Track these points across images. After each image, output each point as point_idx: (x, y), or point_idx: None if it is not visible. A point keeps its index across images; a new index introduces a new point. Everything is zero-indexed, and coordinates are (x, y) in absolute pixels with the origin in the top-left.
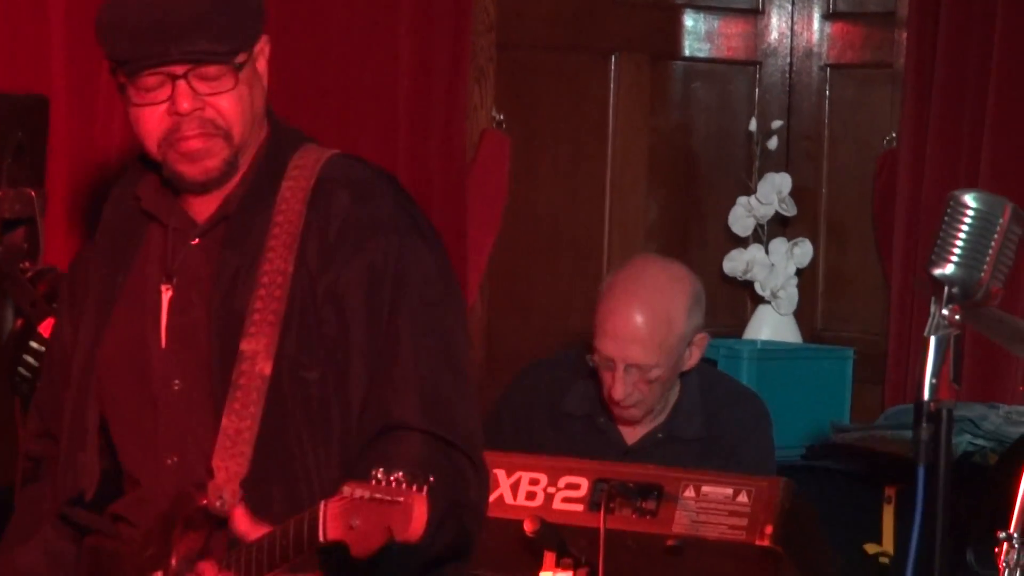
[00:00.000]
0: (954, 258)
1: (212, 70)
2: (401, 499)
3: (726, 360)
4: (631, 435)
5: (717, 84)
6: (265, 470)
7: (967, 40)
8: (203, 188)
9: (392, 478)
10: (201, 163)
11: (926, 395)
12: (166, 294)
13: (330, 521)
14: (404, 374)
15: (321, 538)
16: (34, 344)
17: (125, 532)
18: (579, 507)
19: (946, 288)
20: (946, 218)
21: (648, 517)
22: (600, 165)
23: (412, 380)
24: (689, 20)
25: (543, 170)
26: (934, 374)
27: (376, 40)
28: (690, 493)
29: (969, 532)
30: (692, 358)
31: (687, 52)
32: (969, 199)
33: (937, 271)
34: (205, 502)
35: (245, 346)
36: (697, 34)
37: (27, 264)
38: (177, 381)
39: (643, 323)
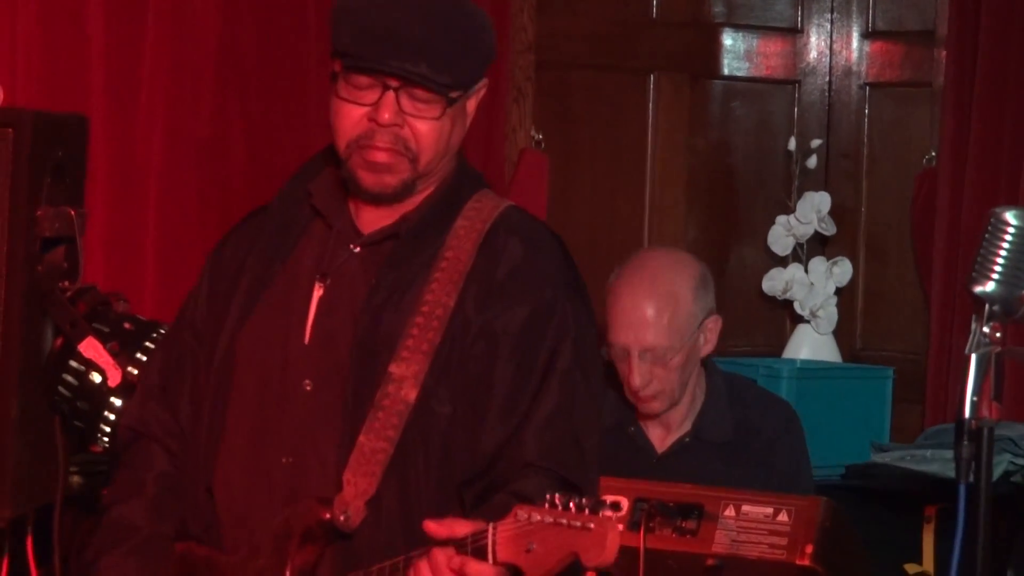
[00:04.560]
0: (995, 275)
1: (425, 94)
2: (592, 525)
3: (765, 379)
4: (661, 443)
5: (756, 103)
6: (389, 494)
7: (1006, 58)
8: (374, 199)
9: (572, 502)
10: (380, 176)
11: (967, 413)
12: (317, 292)
13: (501, 544)
14: (549, 419)
15: (490, 560)
16: (73, 364)
17: (219, 528)
18: (619, 526)
19: (987, 305)
20: (986, 235)
21: (688, 536)
22: (639, 184)
23: (556, 425)
24: (728, 39)
25: (582, 189)
26: (975, 392)
27: None
28: (730, 512)
29: (1010, 552)
30: (707, 343)
31: (726, 71)
32: (1010, 216)
33: (978, 288)
34: (328, 516)
35: (395, 369)
36: (736, 53)
37: (67, 284)
38: (308, 381)
39: (650, 306)
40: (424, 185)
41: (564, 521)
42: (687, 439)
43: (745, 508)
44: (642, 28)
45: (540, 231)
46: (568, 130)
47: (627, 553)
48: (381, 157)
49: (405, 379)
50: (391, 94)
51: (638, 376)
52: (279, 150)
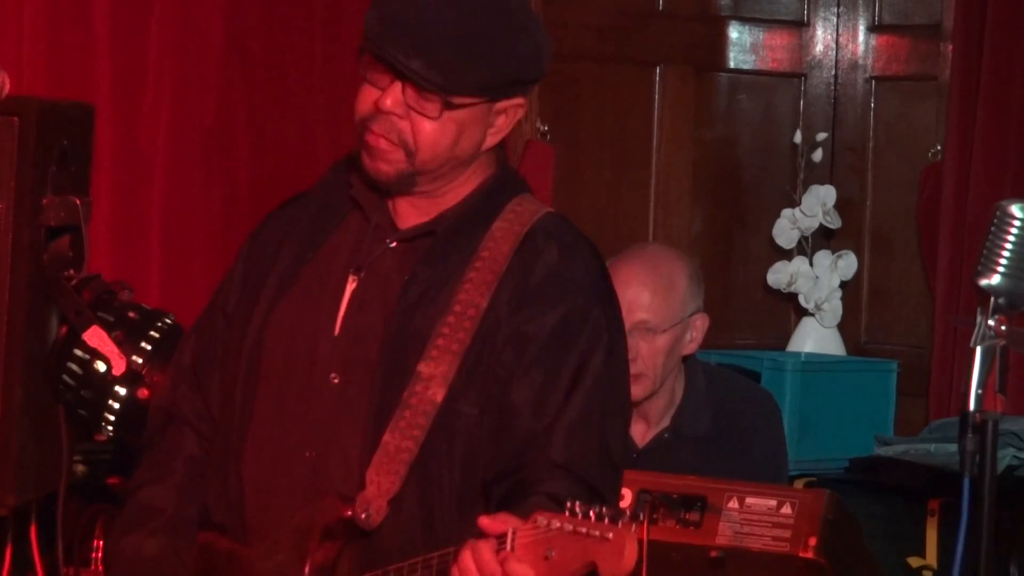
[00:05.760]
0: (1000, 268)
1: (427, 92)
2: (611, 535)
3: (770, 372)
4: (641, 438)
5: (762, 96)
6: (412, 494)
7: (1013, 52)
8: (375, 184)
9: (592, 511)
10: (376, 163)
11: (972, 406)
12: (351, 285)
13: (520, 549)
14: (577, 424)
15: None
16: (78, 352)
17: (242, 516)
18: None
19: (992, 299)
20: (992, 228)
21: (692, 528)
22: (644, 177)
23: (585, 431)
24: (734, 32)
25: (587, 181)
26: (980, 385)
27: None
28: (734, 504)
29: (1012, 546)
30: (692, 341)
31: (732, 64)
32: (1016, 209)
33: (983, 281)
34: (350, 514)
35: (423, 368)
36: (742, 46)
37: (72, 272)
38: (336, 375)
39: (645, 283)
40: (458, 185)
41: (583, 530)
42: (666, 435)
43: (749, 500)
44: (648, 20)
45: (577, 238)
46: (574, 122)
47: None
48: (374, 142)
49: (433, 379)
50: (398, 84)
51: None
52: (284, 140)
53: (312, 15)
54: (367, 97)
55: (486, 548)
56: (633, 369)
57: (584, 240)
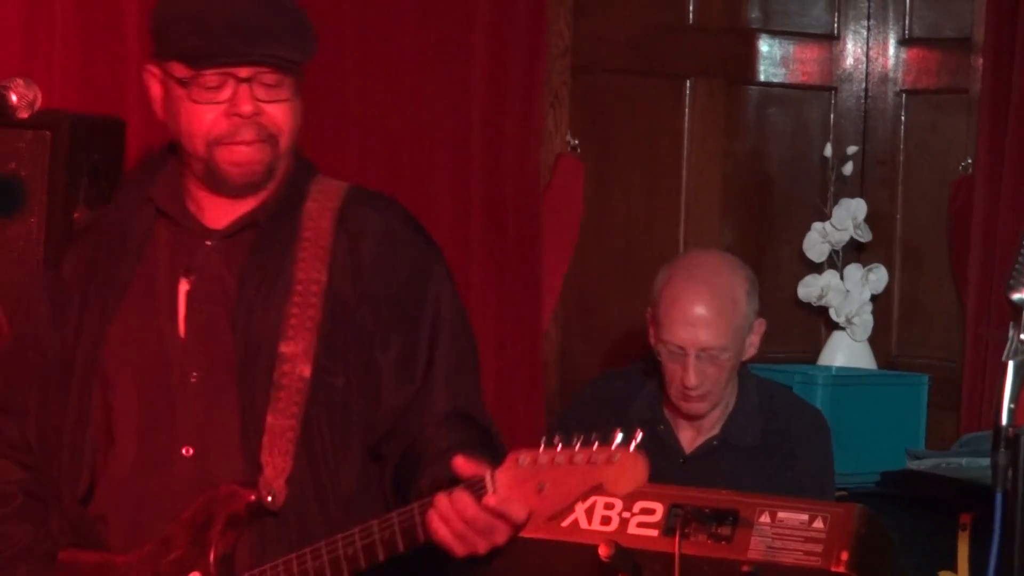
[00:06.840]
0: None
1: (273, 78)
2: (618, 457)
3: (800, 386)
4: (689, 444)
5: (792, 109)
6: (303, 470)
7: None
8: (238, 192)
9: (576, 443)
10: (250, 168)
11: (1004, 420)
12: (183, 287)
13: (504, 489)
14: (452, 369)
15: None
16: None
17: (102, 533)
18: (654, 532)
19: None
20: None
21: (723, 543)
22: (674, 190)
23: (459, 372)
24: (764, 45)
25: (617, 195)
26: (1012, 399)
27: (451, 65)
28: (765, 519)
29: None
30: (752, 346)
31: (762, 77)
32: None
33: (1016, 295)
34: (254, 497)
35: (285, 348)
36: (772, 59)
37: None
38: (195, 373)
39: (710, 306)
40: (273, 176)
41: (582, 458)
42: (715, 442)
43: (780, 515)
44: (678, 33)
45: (389, 201)
46: (604, 135)
47: (662, 559)
48: (249, 150)
49: (297, 356)
50: (244, 86)
51: (695, 376)
52: (310, 150)
53: (341, 26)
54: (208, 116)
55: (463, 495)
56: (701, 390)
57: (395, 202)
